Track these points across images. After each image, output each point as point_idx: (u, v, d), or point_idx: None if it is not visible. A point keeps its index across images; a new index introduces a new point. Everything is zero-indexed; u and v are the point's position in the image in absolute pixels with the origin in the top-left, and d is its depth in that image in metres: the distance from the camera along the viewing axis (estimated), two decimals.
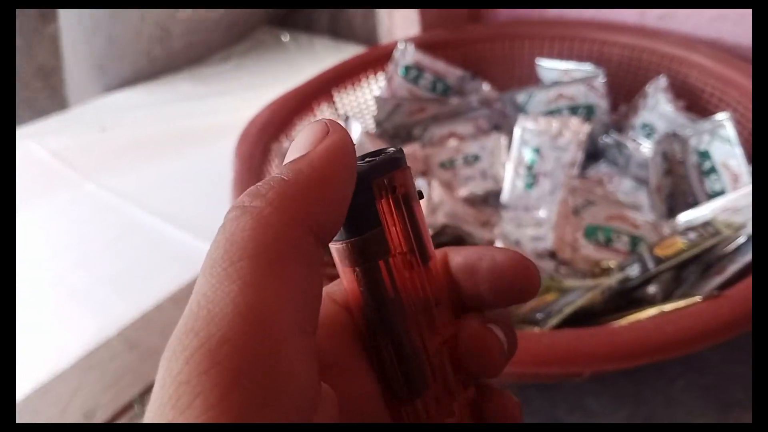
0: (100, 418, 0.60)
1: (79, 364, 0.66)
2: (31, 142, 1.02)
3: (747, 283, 0.46)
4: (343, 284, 0.20)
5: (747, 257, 0.52)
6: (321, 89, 0.80)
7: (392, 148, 0.19)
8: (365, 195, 0.18)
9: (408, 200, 0.19)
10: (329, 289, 0.21)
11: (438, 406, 0.19)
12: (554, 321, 0.47)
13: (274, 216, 0.16)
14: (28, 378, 0.65)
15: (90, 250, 0.81)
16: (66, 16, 1.08)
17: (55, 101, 1.14)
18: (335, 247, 0.19)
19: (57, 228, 0.85)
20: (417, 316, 0.19)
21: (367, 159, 0.19)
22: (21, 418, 0.61)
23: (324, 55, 1.24)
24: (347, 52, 1.22)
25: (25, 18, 1.06)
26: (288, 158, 0.18)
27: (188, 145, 0.99)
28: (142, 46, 1.12)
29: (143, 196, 0.88)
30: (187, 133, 1.02)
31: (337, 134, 0.18)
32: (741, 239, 0.54)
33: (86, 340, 0.69)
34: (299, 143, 0.18)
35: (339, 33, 1.28)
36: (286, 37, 1.32)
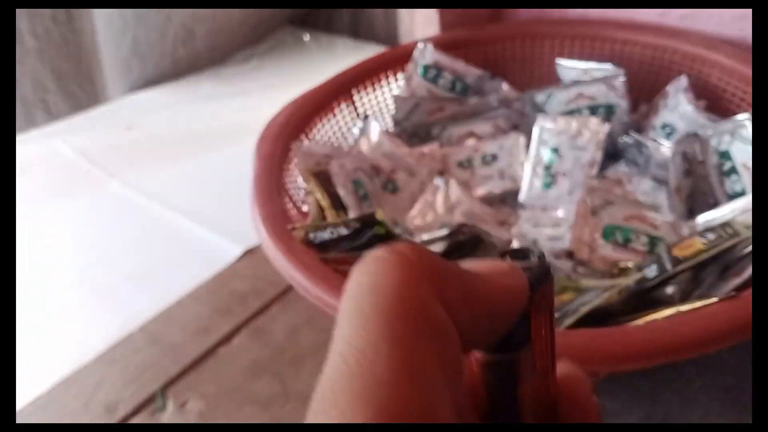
0: (122, 411, 0.61)
1: (102, 358, 0.68)
2: (57, 140, 1.04)
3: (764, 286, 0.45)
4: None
5: None
6: (340, 89, 0.81)
7: (534, 252, 0.18)
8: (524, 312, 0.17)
9: (553, 313, 0.18)
10: None
11: None
12: (570, 321, 0.48)
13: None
14: (52, 371, 0.67)
15: (114, 246, 0.83)
16: (99, 17, 1.11)
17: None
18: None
19: (81, 225, 0.87)
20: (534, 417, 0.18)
21: (510, 257, 0.17)
22: (45, 410, 0.63)
23: (344, 55, 1.25)
24: (368, 51, 1.22)
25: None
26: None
27: (211, 144, 1.00)
28: (166, 47, 1.14)
29: (167, 194, 0.90)
30: (210, 133, 1.03)
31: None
32: None
33: (109, 334, 0.70)
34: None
35: (360, 33, 1.29)
36: (306, 37, 1.33)
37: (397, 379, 0.14)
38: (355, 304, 0.15)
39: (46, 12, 1.20)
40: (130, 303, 0.74)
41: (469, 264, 0.17)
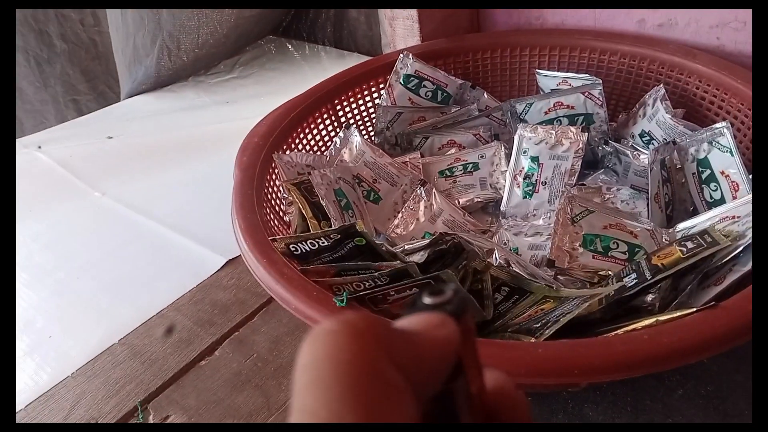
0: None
1: (82, 372, 0.67)
2: (36, 150, 1.03)
3: (744, 294, 0.46)
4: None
5: (746, 267, 0.52)
6: (322, 98, 0.81)
7: (449, 286, 0.19)
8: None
9: (475, 337, 0.19)
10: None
11: None
12: (550, 331, 0.48)
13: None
14: (31, 385, 0.66)
15: (94, 257, 0.82)
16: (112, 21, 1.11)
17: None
18: None
19: (62, 235, 0.86)
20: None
21: (428, 295, 0.19)
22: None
23: (328, 65, 1.25)
24: (351, 61, 1.23)
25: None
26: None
27: (193, 154, 1.00)
28: (153, 55, 1.13)
29: (148, 205, 0.89)
30: (192, 142, 1.03)
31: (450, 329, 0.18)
32: (739, 249, 0.54)
33: (90, 347, 0.69)
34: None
35: (342, 44, 1.29)
36: (291, 46, 1.33)
37: None
38: (313, 375, 0.15)
39: (74, 15, 1.22)
40: (111, 315, 0.73)
41: (406, 322, 0.18)
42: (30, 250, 0.84)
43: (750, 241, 0.54)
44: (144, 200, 0.90)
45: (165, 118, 1.10)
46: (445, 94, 0.86)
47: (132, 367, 0.67)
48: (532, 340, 0.48)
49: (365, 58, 1.20)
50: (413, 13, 0.88)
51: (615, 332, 0.49)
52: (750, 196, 0.60)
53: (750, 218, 0.57)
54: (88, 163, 0.99)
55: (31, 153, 1.02)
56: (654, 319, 0.48)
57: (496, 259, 0.62)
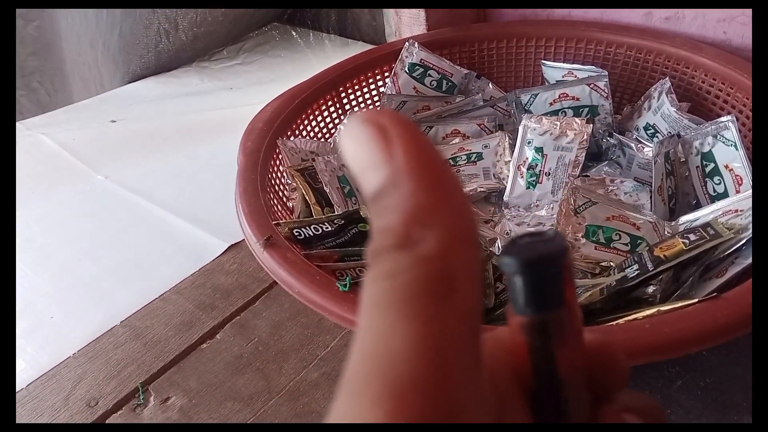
0: (102, 406, 0.61)
1: (83, 352, 0.67)
2: (40, 134, 1.03)
3: (746, 286, 0.46)
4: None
5: (747, 260, 0.53)
6: (327, 85, 0.80)
7: (550, 230, 0.19)
8: (558, 273, 0.17)
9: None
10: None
11: None
12: None
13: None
14: (32, 364, 0.66)
15: (97, 240, 0.82)
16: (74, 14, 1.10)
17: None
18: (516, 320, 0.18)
19: (65, 218, 0.86)
20: (575, 388, 0.19)
21: (534, 238, 0.18)
22: (25, 404, 0.62)
23: (332, 53, 1.25)
24: (356, 49, 1.22)
25: None
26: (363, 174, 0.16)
27: (196, 139, 1.00)
28: (150, 39, 1.13)
29: (151, 189, 0.89)
30: (196, 127, 1.03)
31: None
32: (742, 242, 0.54)
33: (92, 328, 0.70)
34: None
35: (345, 32, 1.28)
36: (295, 33, 1.32)
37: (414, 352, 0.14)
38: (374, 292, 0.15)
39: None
40: (112, 297, 0.74)
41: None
42: (32, 232, 0.85)
43: (752, 234, 0.54)
44: (147, 184, 0.90)
45: (168, 103, 1.10)
46: (450, 83, 0.86)
47: (133, 348, 0.67)
48: None
49: (369, 47, 1.20)
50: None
51: (616, 321, 0.49)
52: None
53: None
54: (91, 147, 0.99)
55: (35, 136, 1.02)
56: (655, 309, 0.49)
57: (498, 249, 0.62)
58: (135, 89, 1.16)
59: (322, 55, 1.25)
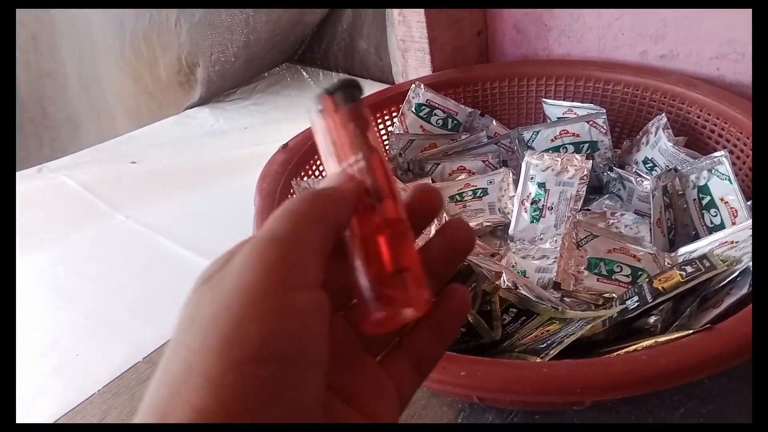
0: None
1: (108, 389, 0.70)
2: (62, 175, 1.07)
3: (740, 316, 0.48)
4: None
5: (743, 290, 0.55)
6: None
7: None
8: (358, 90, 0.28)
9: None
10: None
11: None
12: (554, 351, 0.50)
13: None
14: (59, 401, 0.69)
15: (119, 279, 0.85)
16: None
17: None
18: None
19: (88, 258, 0.90)
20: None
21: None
22: None
23: None
24: (364, 87, 1.27)
25: None
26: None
27: (214, 179, 1.04)
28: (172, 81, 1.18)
29: (171, 228, 0.93)
30: (213, 167, 1.07)
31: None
32: (736, 273, 0.56)
33: (116, 365, 0.73)
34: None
35: (354, 71, 1.33)
36: (306, 73, 1.37)
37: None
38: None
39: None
40: (135, 335, 0.77)
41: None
42: (57, 272, 0.88)
43: (747, 265, 0.56)
44: (167, 223, 0.94)
45: (186, 143, 1.15)
46: (455, 121, 0.89)
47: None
48: (538, 359, 0.51)
49: (376, 85, 1.24)
50: (425, 45, 0.92)
51: (616, 353, 0.52)
52: (748, 222, 0.63)
53: (747, 243, 0.59)
54: (112, 188, 1.03)
55: (58, 177, 1.06)
56: (653, 341, 0.51)
57: (504, 282, 0.65)
58: (153, 130, 1.21)
59: None
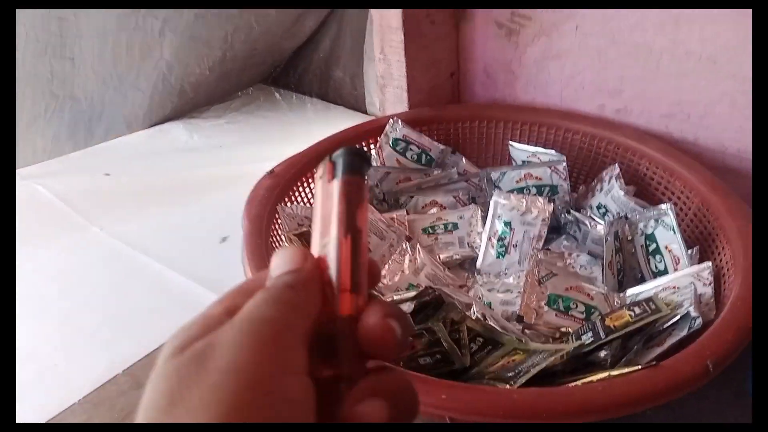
0: None
1: (88, 399, 0.72)
2: (36, 184, 1.08)
3: (679, 356, 0.56)
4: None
5: (683, 332, 0.63)
6: (319, 156, 0.89)
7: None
8: (364, 162, 0.28)
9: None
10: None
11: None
12: (523, 379, 0.57)
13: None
14: (38, 411, 0.71)
15: (96, 291, 0.87)
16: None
17: None
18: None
19: (63, 269, 0.91)
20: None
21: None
22: None
23: (314, 115, 1.34)
24: (336, 113, 1.32)
25: None
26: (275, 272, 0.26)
27: (188, 196, 1.07)
28: (146, 92, 1.20)
29: (145, 242, 0.95)
30: (188, 184, 1.09)
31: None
32: (677, 317, 0.64)
33: (95, 376, 0.75)
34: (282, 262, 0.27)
35: (327, 97, 1.38)
36: (279, 95, 1.41)
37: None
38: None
39: None
40: (113, 347, 0.79)
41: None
42: (32, 281, 0.89)
43: (687, 310, 0.64)
44: (141, 237, 0.96)
45: (160, 158, 1.17)
46: (428, 157, 0.96)
47: (136, 396, 0.72)
48: (507, 386, 0.57)
49: (350, 112, 1.30)
50: (403, 83, 0.99)
51: (574, 383, 0.58)
52: (688, 269, 0.71)
53: (688, 290, 0.68)
54: (86, 199, 1.04)
55: (31, 185, 1.07)
56: (607, 374, 0.58)
57: (474, 313, 0.71)
58: (125, 142, 1.22)
59: (305, 116, 1.34)
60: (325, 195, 0.27)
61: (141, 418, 0.21)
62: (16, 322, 0.82)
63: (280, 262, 0.26)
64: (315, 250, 0.27)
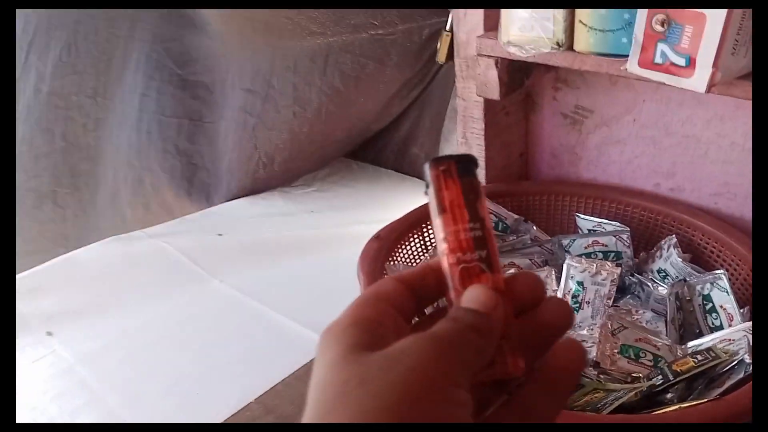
0: None
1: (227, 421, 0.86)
2: (160, 241, 1.26)
3: (738, 393, 0.68)
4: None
5: (739, 375, 0.75)
6: (416, 222, 1.05)
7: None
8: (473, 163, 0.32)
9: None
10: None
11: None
12: (609, 409, 0.69)
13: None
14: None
15: (223, 332, 1.03)
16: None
17: None
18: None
19: (193, 313, 1.07)
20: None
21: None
22: None
23: (390, 185, 1.51)
24: (411, 185, 1.49)
25: None
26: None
27: (289, 252, 1.23)
28: (251, 168, 1.39)
29: (260, 292, 1.11)
30: (288, 242, 1.26)
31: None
32: (734, 362, 0.76)
33: (232, 403, 0.89)
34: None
35: (402, 169, 1.56)
36: (357, 167, 1.59)
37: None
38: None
39: (79, 119, 1.44)
40: (243, 380, 0.93)
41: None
42: (167, 323, 1.05)
43: (742, 357, 0.76)
44: (256, 288, 1.12)
45: (263, 221, 1.35)
46: (504, 224, 1.11)
47: (266, 420, 0.86)
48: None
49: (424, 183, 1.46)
50: (482, 162, 1.15)
51: (653, 412, 0.70)
52: (742, 325, 0.83)
53: (743, 341, 0.80)
54: (206, 255, 1.21)
55: (158, 243, 1.25)
56: (678, 406, 0.70)
57: None
58: (230, 208, 1.41)
59: (382, 186, 1.51)
60: (453, 189, 0.31)
61: (328, 398, 0.26)
62: (156, 358, 0.97)
63: (473, 296, 0.29)
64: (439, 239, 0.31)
